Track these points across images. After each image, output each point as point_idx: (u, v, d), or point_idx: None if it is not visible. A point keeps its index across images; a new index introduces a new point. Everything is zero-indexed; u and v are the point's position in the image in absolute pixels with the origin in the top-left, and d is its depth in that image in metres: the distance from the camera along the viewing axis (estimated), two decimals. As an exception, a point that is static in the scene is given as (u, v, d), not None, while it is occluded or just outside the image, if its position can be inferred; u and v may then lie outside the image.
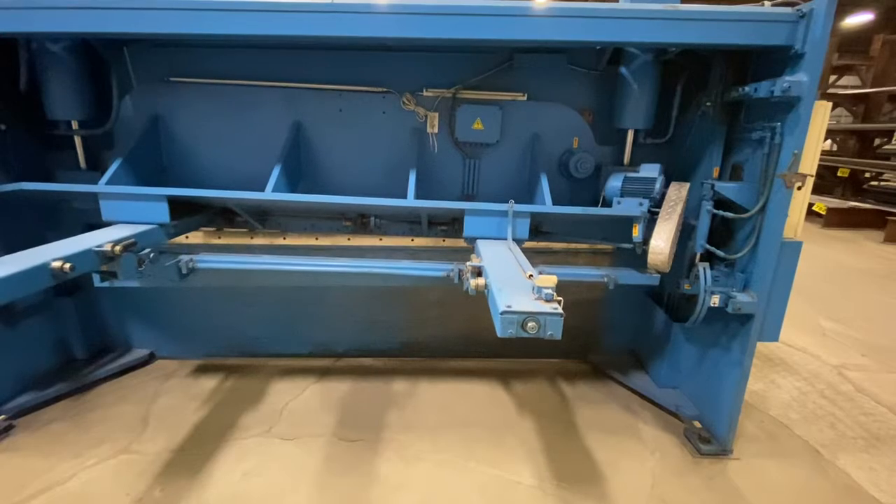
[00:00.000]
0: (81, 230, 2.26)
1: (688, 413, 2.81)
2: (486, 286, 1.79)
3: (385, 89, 2.79)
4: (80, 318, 3.10)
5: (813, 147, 2.16)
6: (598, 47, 2.69)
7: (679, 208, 2.37)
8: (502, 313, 1.45)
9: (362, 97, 2.81)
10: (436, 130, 2.85)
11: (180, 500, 2.19)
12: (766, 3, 2.12)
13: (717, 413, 2.63)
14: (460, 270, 2.35)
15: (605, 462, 2.52)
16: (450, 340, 3.44)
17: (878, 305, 5.02)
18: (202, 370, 3.26)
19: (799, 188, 2.18)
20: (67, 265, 1.77)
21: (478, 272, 1.95)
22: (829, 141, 11.33)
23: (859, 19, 17.63)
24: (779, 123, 2.15)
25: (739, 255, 2.37)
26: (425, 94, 2.79)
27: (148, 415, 2.79)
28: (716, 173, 2.49)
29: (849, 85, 12.59)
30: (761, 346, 3.69)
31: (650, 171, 2.52)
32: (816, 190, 9.80)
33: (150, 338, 3.32)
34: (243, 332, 3.34)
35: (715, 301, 2.41)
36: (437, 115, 2.82)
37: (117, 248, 2.00)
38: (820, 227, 8.70)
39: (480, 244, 2.35)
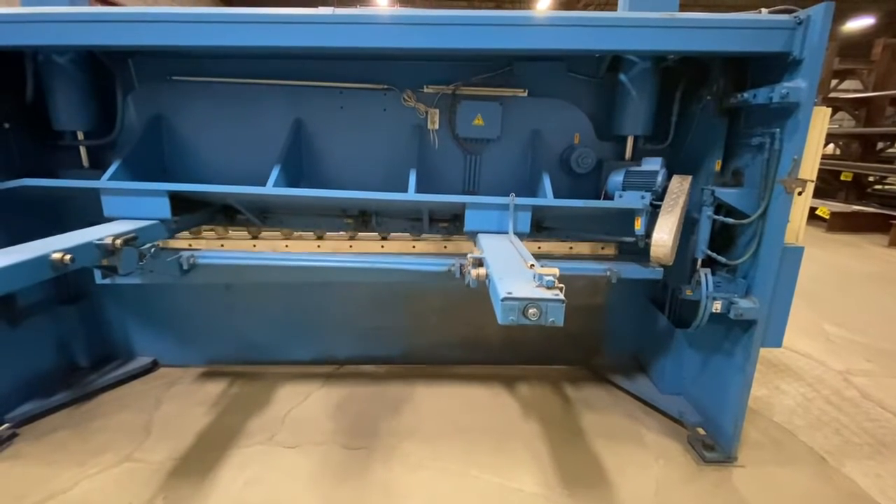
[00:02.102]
0: (84, 228, 2.27)
1: (691, 419, 2.80)
2: (487, 276, 1.78)
3: (386, 86, 2.80)
4: (84, 326, 3.12)
5: (813, 152, 2.17)
6: (597, 55, 2.71)
7: (681, 201, 2.36)
8: (503, 300, 1.45)
9: (363, 94, 2.82)
10: (436, 127, 2.86)
11: (182, 509, 2.20)
12: (763, 10, 2.13)
13: (721, 419, 2.61)
14: (461, 265, 2.34)
15: (608, 469, 2.50)
16: (452, 347, 3.43)
17: (883, 310, 4.99)
18: (205, 377, 3.27)
19: (800, 193, 2.18)
20: (68, 257, 1.76)
21: (479, 263, 1.94)
22: (831, 145, 11.29)
23: (860, 23, 17.66)
24: (778, 129, 2.15)
25: (741, 260, 2.37)
26: (426, 90, 2.80)
27: (151, 423, 2.79)
28: (718, 166, 2.48)
29: (850, 89, 12.58)
30: (765, 352, 3.66)
31: (652, 164, 2.52)
32: (819, 194, 9.79)
33: (153, 345, 3.33)
34: (246, 339, 3.35)
35: (717, 307, 2.40)
36: (437, 111, 2.83)
37: (118, 241, 2.00)
38: (823, 232, 8.66)
39: (482, 237, 2.34)
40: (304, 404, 3.00)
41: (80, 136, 2.72)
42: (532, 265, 1.74)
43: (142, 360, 3.30)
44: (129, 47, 2.37)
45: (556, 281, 1.53)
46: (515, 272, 1.71)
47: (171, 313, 3.24)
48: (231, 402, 3.00)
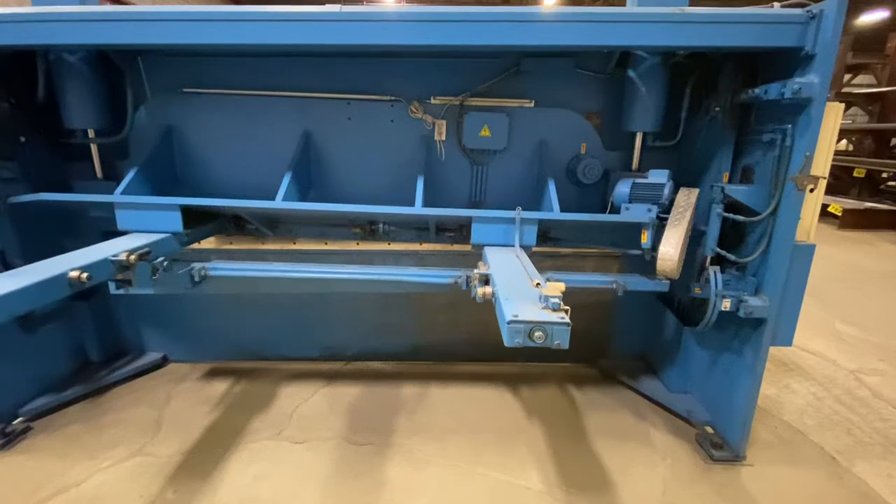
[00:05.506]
0: (98, 238, 2.31)
1: (699, 418, 2.78)
2: (493, 295, 1.81)
3: (393, 97, 2.82)
4: (96, 323, 3.16)
5: (825, 149, 2.14)
6: (606, 51, 2.68)
7: (688, 214, 2.35)
8: (509, 323, 1.47)
9: (371, 105, 2.83)
10: (443, 138, 2.87)
11: (192, 503, 2.22)
12: (775, 4, 2.10)
13: (730, 418, 2.59)
14: (468, 277, 2.35)
15: (615, 468, 2.50)
16: (458, 344, 3.44)
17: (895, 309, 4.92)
18: (214, 373, 3.30)
19: (811, 190, 2.15)
20: (84, 275, 1.82)
21: (485, 280, 1.96)
22: (844, 141, 11.13)
23: (874, 17, 17.35)
24: (790, 125, 2.13)
25: (751, 258, 2.35)
26: (433, 101, 2.81)
27: (161, 417, 2.83)
28: (725, 178, 2.47)
29: (864, 84, 12.38)
30: (775, 351, 3.63)
31: (659, 176, 2.51)
32: (832, 191, 9.65)
33: (164, 341, 3.37)
34: (254, 335, 3.38)
35: (726, 305, 2.38)
36: (444, 122, 2.83)
37: (132, 257, 2.05)
38: (835, 229, 8.55)
39: (488, 251, 2.35)
40: (311, 400, 3.02)
41: (91, 133, 2.75)
42: (538, 283, 1.75)
43: (152, 356, 3.34)
44: (139, 46, 2.39)
45: (562, 302, 1.54)
46: (521, 292, 1.72)
47: (182, 310, 3.27)
48: (239, 398, 3.03)
